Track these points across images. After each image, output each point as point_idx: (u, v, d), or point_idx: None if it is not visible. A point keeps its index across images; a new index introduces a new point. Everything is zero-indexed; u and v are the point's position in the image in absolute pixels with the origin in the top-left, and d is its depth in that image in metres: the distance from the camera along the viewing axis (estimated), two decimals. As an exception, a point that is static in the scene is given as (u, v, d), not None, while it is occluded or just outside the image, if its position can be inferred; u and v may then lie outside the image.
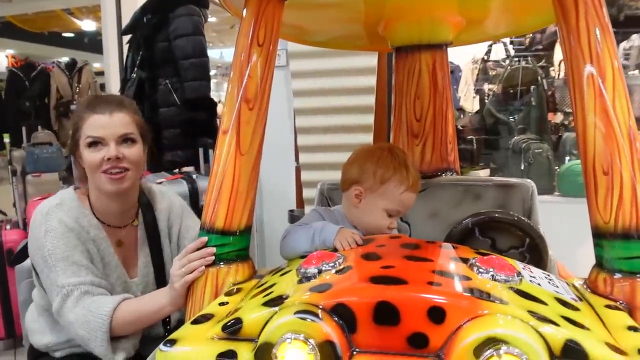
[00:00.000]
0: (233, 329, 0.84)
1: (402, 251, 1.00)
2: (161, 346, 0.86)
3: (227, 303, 1.00)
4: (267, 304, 0.85)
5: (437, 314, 0.76)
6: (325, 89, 2.43)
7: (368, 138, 2.42)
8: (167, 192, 1.69)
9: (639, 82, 3.47)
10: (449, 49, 1.80)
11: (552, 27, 3.50)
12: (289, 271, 1.03)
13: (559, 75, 4.03)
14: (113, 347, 1.31)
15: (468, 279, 0.87)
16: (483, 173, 3.23)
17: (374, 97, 2.41)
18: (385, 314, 0.77)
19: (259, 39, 1.17)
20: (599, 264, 1.05)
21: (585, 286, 1.08)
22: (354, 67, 2.39)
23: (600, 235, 1.03)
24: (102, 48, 5.73)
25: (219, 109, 3.59)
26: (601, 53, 1.03)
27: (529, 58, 3.44)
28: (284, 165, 2.71)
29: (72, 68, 6.14)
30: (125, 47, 3.33)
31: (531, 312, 0.79)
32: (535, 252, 1.15)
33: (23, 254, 1.62)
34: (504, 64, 4.14)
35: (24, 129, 5.36)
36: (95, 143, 1.39)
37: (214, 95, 3.66)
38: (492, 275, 0.89)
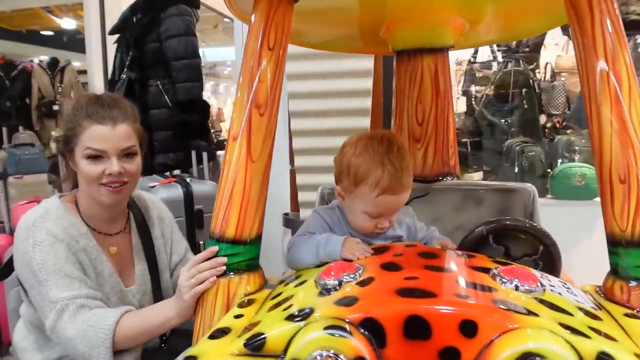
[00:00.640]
0: (256, 345, 0.81)
1: (421, 261, 0.99)
2: None
3: (242, 316, 0.97)
4: (290, 318, 0.83)
5: (469, 328, 0.75)
6: (321, 91, 2.41)
7: (364, 141, 2.40)
8: (156, 200, 1.66)
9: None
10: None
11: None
12: (305, 281, 1.01)
13: (544, 77, 4.08)
14: None
15: (494, 290, 0.86)
16: (477, 176, 3.25)
17: (370, 99, 2.39)
18: (416, 328, 0.76)
19: (269, 43, 1.14)
20: (614, 272, 1.05)
21: (600, 293, 1.08)
22: (350, 69, 2.37)
23: (616, 243, 1.03)
24: (81, 47, 5.65)
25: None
26: (617, 59, 1.03)
27: (520, 60, 3.46)
28: (278, 168, 2.68)
29: (54, 67, 6.03)
30: (111, 47, 3.28)
31: (562, 324, 0.78)
32: (548, 260, 1.14)
33: (9, 267, 1.54)
34: (490, 66, 4.17)
35: (4, 130, 5.25)
36: (96, 156, 1.34)
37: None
38: (516, 286, 0.88)
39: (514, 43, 4.45)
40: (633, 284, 1.00)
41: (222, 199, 1.12)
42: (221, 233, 1.11)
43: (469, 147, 3.29)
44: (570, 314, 0.85)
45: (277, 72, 1.15)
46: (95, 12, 5.03)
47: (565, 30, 3.44)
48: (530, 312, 0.79)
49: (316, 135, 2.46)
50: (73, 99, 1.43)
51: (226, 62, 14.63)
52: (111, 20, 4.74)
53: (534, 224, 1.16)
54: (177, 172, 2.94)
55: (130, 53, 2.91)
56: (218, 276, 1.10)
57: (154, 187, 2.34)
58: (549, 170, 3.00)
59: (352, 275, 0.91)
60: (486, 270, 0.93)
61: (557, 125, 4.08)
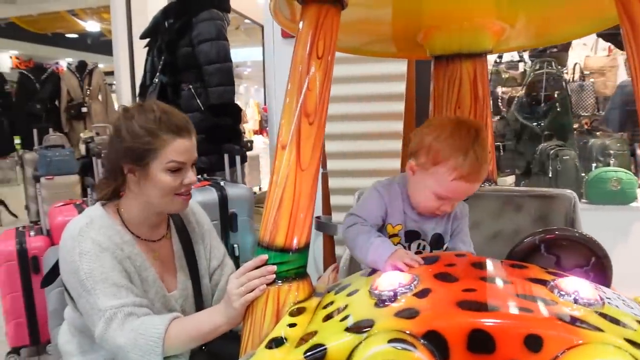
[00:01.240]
0: (316, 356, 0.81)
1: (475, 271, 0.98)
2: None
3: (296, 325, 0.97)
4: (350, 329, 0.83)
5: (534, 343, 0.74)
6: (354, 95, 2.40)
7: (397, 145, 2.39)
8: (194, 205, 1.67)
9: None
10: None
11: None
12: (356, 291, 1.01)
13: (573, 78, 4.01)
14: None
15: (553, 303, 0.85)
16: (509, 179, 3.21)
17: (403, 103, 2.38)
18: (480, 342, 0.75)
19: (318, 51, 1.15)
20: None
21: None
22: (383, 73, 2.36)
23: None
24: (105, 49, 5.76)
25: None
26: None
27: (553, 62, 3.41)
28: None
29: (82, 70, 6.13)
30: (138, 50, 3.31)
31: (626, 340, 0.76)
32: (600, 271, 1.12)
33: (53, 274, 1.57)
34: (517, 66, 4.11)
35: (35, 132, 5.35)
36: (178, 169, 1.38)
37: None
38: (575, 299, 0.86)
39: (541, 44, 4.40)
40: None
41: (270, 207, 1.11)
42: (270, 241, 1.11)
43: (501, 151, 3.25)
44: (632, 328, 0.83)
45: (326, 80, 1.16)
46: (122, 15, 5.10)
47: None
48: (594, 327, 0.78)
49: (349, 139, 2.45)
50: (131, 113, 1.42)
51: (247, 62, 14.71)
52: (137, 24, 4.82)
53: (588, 235, 1.14)
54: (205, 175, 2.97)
55: (163, 57, 2.93)
56: (267, 284, 1.10)
57: (188, 190, 2.36)
58: (582, 174, 2.96)
59: (408, 287, 0.91)
60: (543, 282, 0.92)
61: (586, 126, 4.02)
